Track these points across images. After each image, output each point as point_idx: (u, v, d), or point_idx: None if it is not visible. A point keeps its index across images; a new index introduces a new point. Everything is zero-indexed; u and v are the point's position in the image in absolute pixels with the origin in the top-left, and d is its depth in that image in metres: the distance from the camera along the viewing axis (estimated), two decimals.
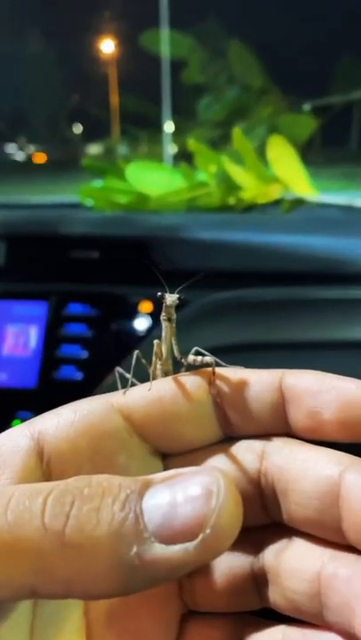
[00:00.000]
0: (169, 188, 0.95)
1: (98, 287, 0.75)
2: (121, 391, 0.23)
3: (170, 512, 0.16)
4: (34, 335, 0.73)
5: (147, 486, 0.17)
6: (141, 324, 0.70)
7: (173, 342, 0.26)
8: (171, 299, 0.26)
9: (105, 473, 0.20)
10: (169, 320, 0.26)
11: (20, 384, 0.71)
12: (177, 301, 0.26)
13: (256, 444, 0.22)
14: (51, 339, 0.72)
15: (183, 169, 0.97)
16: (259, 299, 0.64)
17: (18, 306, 0.75)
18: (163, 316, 0.26)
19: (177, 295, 0.26)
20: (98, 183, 1.06)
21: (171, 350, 0.26)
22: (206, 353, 0.25)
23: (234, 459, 0.22)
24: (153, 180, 0.96)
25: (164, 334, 0.26)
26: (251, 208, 0.94)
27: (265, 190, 0.93)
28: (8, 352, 0.73)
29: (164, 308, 0.26)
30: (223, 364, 0.25)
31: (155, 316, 0.69)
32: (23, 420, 0.68)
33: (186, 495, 0.16)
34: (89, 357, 0.70)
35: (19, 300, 0.76)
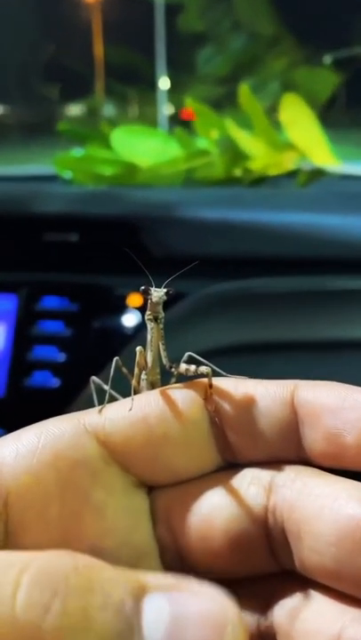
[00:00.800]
0: (163, 157, 0.95)
1: (77, 277, 0.75)
2: (96, 409, 0.22)
3: (174, 634, 0.15)
4: (1, 334, 0.73)
5: (143, 591, 0.15)
6: (130, 320, 0.70)
7: (161, 347, 0.26)
8: (157, 294, 0.25)
9: (78, 513, 0.20)
10: (155, 320, 0.26)
11: None
12: (164, 297, 0.25)
13: (263, 474, 0.21)
14: (21, 338, 0.72)
15: (180, 134, 0.97)
16: (268, 290, 0.64)
17: None
18: (148, 315, 0.26)
19: (164, 289, 0.26)
20: (77, 151, 1.06)
21: (158, 357, 0.26)
22: (202, 360, 0.25)
23: (235, 492, 0.21)
24: (144, 147, 0.96)
25: (149, 337, 0.26)
26: (260, 181, 0.94)
27: (277, 159, 0.93)
28: None
29: (149, 305, 0.25)
30: (223, 373, 0.25)
31: (145, 311, 0.68)
32: None
33: (191, 622, 0.15)
34: (67, 361, 0.70)
35: None
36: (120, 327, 0.70)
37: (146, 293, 0.26)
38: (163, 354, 0.26)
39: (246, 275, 0.68)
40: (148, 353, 0.26)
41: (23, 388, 0.69)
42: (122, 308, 0.71)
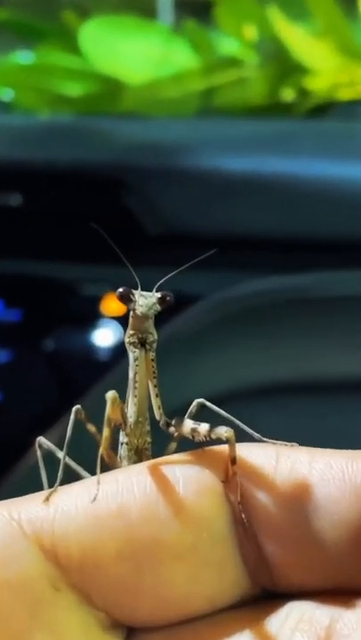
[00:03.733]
0: (164, 68, 0.96)
1: (19, 265, 0.76)
2: (37, 496, 0.23)
3: None
4: None
5: None
6: (105, 338, 0.72)
7: (151, 389, 0.26)
8: (145, 302, 0.26)
9: None
10: (142, 345, 0.26)
11: None
12: (157, 307, 0.26)
13: (317, 614, 0.21)
14: None
15: (193, 31, 0.98)
16: (330, 293, 0.65)
17: None
18: (129, 337, 0.26)
19: (157, 294, 0.26)
20: (23, 56, 1.07)
21: (146, 407, 0.26)
22: (221, 412, 0.25)
23: None
24: (133, 52, 0.97)
25: (131, 374, 0.26)
26: (325, 110, 0.95)
27: (353, 74, 0.94)
28: None
29: (131, 319, 0.26)
30: (255, 435, 0.25)
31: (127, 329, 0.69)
32: None
33: None
34: (2, 403, 0.72)
35: None
36: (89, 350, 0.72)
37: (126, 300, 0.26)
38: (154, 401, 0.26)
39: (297, 267, 0.69)
40: (130, 399, 0.26)
41: None
42: (92, 317, 0.72)
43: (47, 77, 0.98)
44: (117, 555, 0.22)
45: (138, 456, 0.26)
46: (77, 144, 0.82)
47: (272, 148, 0.80)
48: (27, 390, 0.72)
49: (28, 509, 0.22)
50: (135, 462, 0.26)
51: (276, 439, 0.25)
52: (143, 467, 0.23)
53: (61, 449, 0.26)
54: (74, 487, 0.23)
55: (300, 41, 0.94)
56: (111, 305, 0.71)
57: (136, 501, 0.22)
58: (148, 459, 0.26)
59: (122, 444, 0.26)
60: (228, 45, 0.99)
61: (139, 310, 0.26)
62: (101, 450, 0.24)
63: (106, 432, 0.24)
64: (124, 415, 0.26)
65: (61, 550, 0.22)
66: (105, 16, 1.02)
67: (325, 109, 0.95)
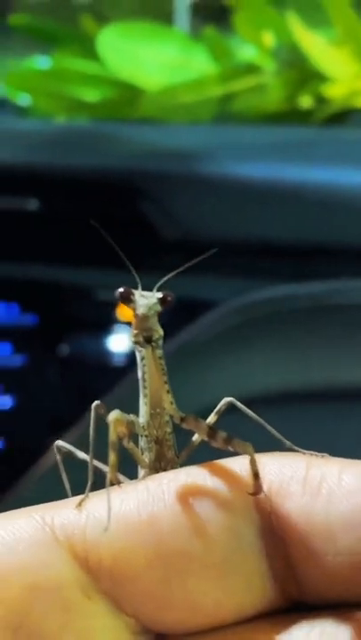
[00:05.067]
0: (182, 75, 0.96)
1: (35, 270, 0.77)
2: (70, 501, 0.23)
3: None
4: None
5: None
6: (120, 343, 0.72)
7: (163, 386, 0.26)
8: (145, 302, 0.26)
9: None
10: (148, 342, 0.26)
11: None
12: (158, 306, 0.26)
13: (340, 630, 0.22)
14: None
15: (210, 37, 0.99)
16: (349, 301, 0.65)
17: None
18: (134, 337, 0.26)
19: (158, 294, 0.26)
20: (41, 61, 1.08)
21: (160, 399, 0.26)
22: (249, 412, 0.25)
23: None
24: (151, 58, 0.98)
25: (140, 373, 0.26)
26: (343, 117, 0.95)
27: None
28: None
29: (134, 319, 0.26)
30: (287, 442, 0.25)
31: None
32: None
33: None
34: (15, 408, 0.72)
35: None
36: (103, 354, 0.72)
37: (126, 300, 0.26)
38: (165, 398, 0.26)
39: (315, 275, 0.69)
40: (141, 399, 0.26)
41: None
42: (107, 322, 0.73)
43: (64, 83, 0.98)
44: (147, 563, 0.22)
45: (159, 446, 0.26)
46: (94, 149, 0.82)
47: (290, 155, 0.81)
48: (41, 394, 0.72)
49: (61, 515, 0.22)
50: (156, 453, 0.26)
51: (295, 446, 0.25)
52: (173, 475, 0.23)
53: (83, 450, 0.26)
54: (101, 495, 0.23)
55: (319, 48, 0.94)
56: (126, 310, 0.71)
57: (166, 511, 0.22)
58: (170, 449, 0.26)
59: (142, 436, 0.26)
60: (246, 52, 0.99)
61: (139, 310, 0.26)
62: (110, 477, 0.23)
63: (112, 457, 0.24)
64: (130, 427, 0.25)
65: (93, 557, 0.22)
66: (122, 22, 1.03)
67: (344, 117, 0.95)
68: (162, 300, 0.26)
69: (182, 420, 0.26)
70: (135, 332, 0.26)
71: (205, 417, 0.26)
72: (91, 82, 0.98)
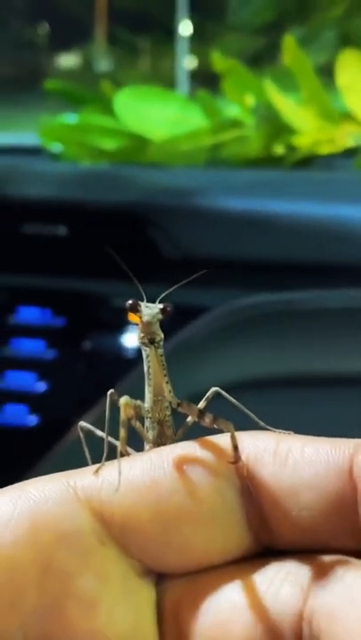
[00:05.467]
0: (181, 128, 0.96)
1: (64, 282, 0.76)
2: (89, 469, 0.23)
3: None
4: None
5: None
6: (132, 340, 0.72)
7: (163, 379, 0.26)
8: (149, 311, 0.26)
9: (61, 606, 0.21)
10: (152, 343, 0.26)
11: None
12: (159, 315, 0.26)
13: (302, 569, 0.21)
14: None
15: (204, 99, 0.99)
16: (315, 306, 0.65)
17: None
18: (140, 339, 0.26)
19: (159, 305, 0.26)
20: (70, 117, 1.08)
21: (161, 389, 0.26)
22: (231, 400, 0.25)
23: (263, 590, 0.21)
24: (157, 115, 0.98)
25: (146, 367, 0.26)
26: (308, 162, 0.95)
27: (331, 134, 0.94)
28: None
29: (139, 325, 0.26)
30: (261, 423, 0.25)
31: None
32: None
33: None
34: (47, 392, 0.71)
35: None
36: (119, 349, 0.72)
37: (134, 310, 0.26)
38: (165, 388, 0.26)
39: (286, 286, 0.68)
40: (146, 387, 0.26)
41: None
42: (121, 323, 0.72)
43: (88, 134, 0.98)
44: (149, 518, 0.22)
45: (160, 425, 0.26)
46: (111, 187, 0.82)
47: (266, 192, 0.81)
48: (69, 382, 0.72)
49: (82, 479, 0.22)
50: (158, 431, 0.26)
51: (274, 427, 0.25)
52: (171, 448, 0.23)
53: (100, 429, 0.26)
54: (113, 463, 0.23)
55: (289, 107, 0.94)
56: (134, 316, 0.71)
57: (165, 476, 0.22)
58: (170, 428, 0.26)
59: (146, 417, 0.26)
60: (231, 110, 0.99)
61: (144, 318, 0.26)
62: (120, 449, 0.24)
63: (122, 433, 0.24)
64: (137, 410, 0.26)
65: (106, 512, 0.22)
66: (134, 86, 1.03)
67: (309, 162, 0.95)
68: (162, 310, 0.26)
69: (178, 405, 0.26)
70: (141, 335, 0.26)
71: (197, 402, 0.26)
72: (109, 134, 0.98)
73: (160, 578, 0.22)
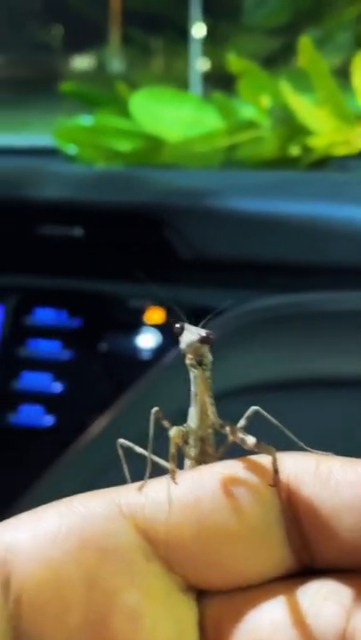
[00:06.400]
0: (196, 129, 0.96)
1: (80, 283, 0.76)
2: (133, 486, 0.23)
3: None
4: None
5: None
6: (148, 341, 0.72)
7: (208, 401, 0.26)
8: (189, 338, 0.25)
9: (106, 620, 0.21)
10: (200, 364, 0.26)
11: None
12: (197, 343, 0.25)
13: (344, 589, 0.22)
14: (6, 362, 0.74)
15: (219, 100, 0.98)
16: (332, 308, 0.65)
17: None
18: (188, 360, 0.26)
19: (202, 332, 0.26)
20: (85, 119, 1.08)
21: (206, 410, 0.26)
22: (271, 419, 0.25)
23: (305, 608, 0.22)
24: (171, 116, 0.98)
25: (193, 388, 0.26)
26: (323, 163, 0.95)
27: (347, 135, 0.94)
28: None
29: (187, 349, 0.26)
30: (301, 444, 0.25)
31: (167, 330, 0.71)
32: None
33: None
34: (63, 393, 0.72)
35: None
36: (135, 350, 0.72)
37: (178, 334, 0.26)
38: (210, 408, 0.26)
39: (302, 287, 0.68)
40: (193, 407, 0.26)
41: (7, 426, 0.71)
42: (137, 325, 0.72)
43: (103, 136, 0.99)
44: (192, 536, 0.22)
45: (202, 443, 0.26)
46: (126, 189, 0.82)
47: (281, 193, 0.80)
48: (85, 383, 0.72)
49: (127, 496, 0.23)
50: (200, 449, 0.26)
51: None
52: (213, 467, 0.23)
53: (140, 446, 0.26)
54: (161, 480, 0.23)
55: (305, 108, 0.94)
56: (152, 316, 0.72)
57: (208, 495, 0.23)
58: (211, 446, 0.26)
59: (191, 446, 0.27)
60: (247, 111, 0.99)
61: (182, 345, 0.26)
62: (170, 465, 0.24)
63: (171, 465, 0.24)
64: (184, 436, 0.26)
65: (151, 529, 0.22)
66: (149, 88, 1.03)
67: (325, 163, 0.95)
68: (203, 339, 0.26)
69: (221, 426, 0.26)
70: (189, 356, 0.26)
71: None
72: (124, 135, 0.98)
73: (202, 593, 0.23)
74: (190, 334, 0.26)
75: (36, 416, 0.71)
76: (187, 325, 0.26)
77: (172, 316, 0.69)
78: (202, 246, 0.74)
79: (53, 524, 0.22)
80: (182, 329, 0.26)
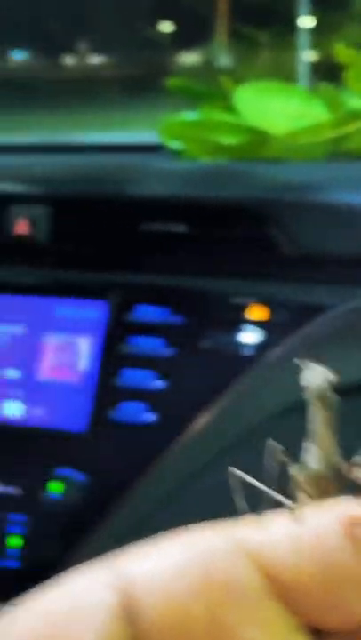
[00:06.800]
0: (302, 122, 0.95)
1: (183, 280, 0.76)
2: (252, 520, 0.23)
3: None
4: (85, 352, 0.76)
5: None
6: (250, 338, 0.71)
7: (330, 440, 0.25)
8: (315, 380, 0.24)
9: None
10: (323, 405, 0.24)
11: (61, 425, 0.74)
12: (317, 383, 0.24)
13: None
14: (110, 358, 0.74)
15: (326, 92, 0.97)
16: None
17: (62, 306, 0.78)
18: (315, 401, 0.24)
19: (329, 374, 0.24)
20: (190, 114, 1.08)
21: (327, 456, 0.25)
22: None
23: None
24: (277, 109, 0.97)
25: (313, 426, 0.25)
26: None
27: None
28: (46, 376, 0.77)
29: (308, 389, 0.24)
30: None
31: (270, 327, 0.70)
32: (65, 480, 0.71)
33: None
34: (165, 390, 0.72)
35: (64, 297, 0.79)
36: (237, 347, 0.71)
37: (298, 370, 0.24)
38: (332, 450, 0.25)
39: None
40: (314, 447, 0.25)
41: (107, 422, 0.72)
42: (240, 321, 0.72)
43: (208, 131, 0.99)
44: (314, 576, 0.22)
45: (320, 479, 0.25)
46: (232, 184, 0.82)
47: None
48: (188, 379, 0.72)
49: (245, 532, 0.23)
50: (318, 486, 0.25)
51: None
52: (335, 505, 0.23)
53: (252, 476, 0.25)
54: (280, 516, 0.23)
55: None
56: (254, 312, 0.71)
57: (331, 535, 0.22)
58: (330, 484, 0.25)
59: (304, 480, 0.26)
60: (354, 102, 0.97)
61: (304, 383, 0.24)
62: (291, 506, 0.24)
63: (294, 491, 0.24)
64: (308, 477, 0.25)
65: (272, 569, 0.22)
66: (254, 81, 1.03)
67: None
68: (332, 384, 0.24)
69: (348, 470, 0.25)
70: (314, 401, 0.24)
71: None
72: (229, 130, 0.98)
73: (317, 633, 0.23)
74: (314, 374, 0.24)
75: (137, 413, 0.71)
76: (308, 363, 0.25)
77: (275, 314, 0.69)
78: (308, 242, 0.73)
79: (178, 557, 0.22)
80: (303, 365, 0.24)
